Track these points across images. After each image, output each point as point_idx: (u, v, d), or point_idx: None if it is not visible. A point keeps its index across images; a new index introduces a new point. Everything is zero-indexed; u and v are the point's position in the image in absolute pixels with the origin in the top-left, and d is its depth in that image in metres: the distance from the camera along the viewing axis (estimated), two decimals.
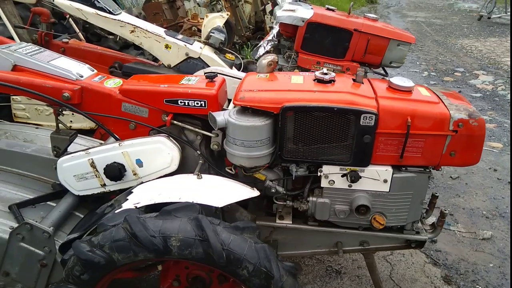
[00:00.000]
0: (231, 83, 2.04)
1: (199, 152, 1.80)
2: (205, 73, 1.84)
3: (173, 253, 1.35)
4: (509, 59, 7.69)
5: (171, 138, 1.75)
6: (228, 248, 1.34)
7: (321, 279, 2.50)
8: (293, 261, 1.52)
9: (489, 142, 4.46)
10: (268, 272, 1.37)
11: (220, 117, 1.62)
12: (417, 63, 7.70)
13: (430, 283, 2.52)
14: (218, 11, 6.08)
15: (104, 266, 1.39)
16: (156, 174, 1.73)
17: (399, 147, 1.59)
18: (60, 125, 1.84)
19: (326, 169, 1.66)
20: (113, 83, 1.85)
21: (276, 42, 3.84)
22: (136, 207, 1.47)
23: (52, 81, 1.77)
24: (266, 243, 1.44)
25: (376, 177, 1.64)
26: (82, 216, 1.82)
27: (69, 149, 1.84)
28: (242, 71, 3.13)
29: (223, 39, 3.16)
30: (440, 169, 1.68)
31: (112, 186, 1.76)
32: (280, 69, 3.44)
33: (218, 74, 1.84)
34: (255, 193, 1.66)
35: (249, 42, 6.76)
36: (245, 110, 1.63)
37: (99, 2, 2.87)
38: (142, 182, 1.72)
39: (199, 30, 5.02)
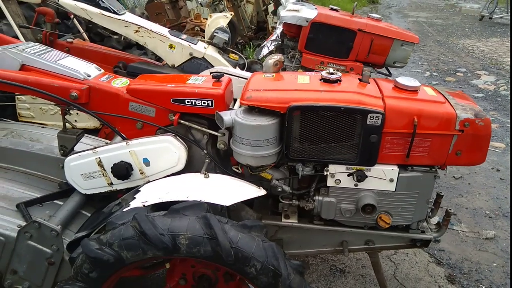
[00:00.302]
0: (236, 83, 2.05)
1: (205, 152, 1.81)
2: (211, 73, 1.85)
3: (182, 251, 1.36)
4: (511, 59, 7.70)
5: (178, 137, 1.76)
6: (236, 246, 1.35)
7: (325, 278, 2.51)
8: (300, 260, 1.53)
9: (492, 142, 4.46)
10: (276, 270, 1.38)
11: (227, 116, 1.63)
12: (419, 63, 7.71)
13: (434, 282, 2.53)
14: (221, 11, 6.09)
15: (112, 264, 1.40)
16: (163, 173, 1.73)
17: (405, 146, 1.60)
18: (66, 124, 1.86)
19: (332, 168, 1.66)
20: (120, 83, 1.86)
21: (279, 42, 3.85)
22: (144, 205, 1.48)
23: (60, 80, 1.78)
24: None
25: (382, 177, 1.65)
26: (89, 215, 1.83)
27: (75, 148, 1.85)
28: (246, 71, 3.14)
29: (227, 39, 3.17)
30: (445, 169, 1.69)
31: (119, 185, 1.76)
32: (284, 69, 3.45)
33: (224, 74, 1.85)
34: (261, 192, 1.67)
35: (251, 42, 6.77)
36: (252, 109, 1.64)
37: (103, 2, 2.88)
38: (149, 181, 1.73)
39: (202, 30, 5.04)
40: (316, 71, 2.41)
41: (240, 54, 3.34)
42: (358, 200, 1.70)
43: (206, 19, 4.17)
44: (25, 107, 3.01)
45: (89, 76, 1.84)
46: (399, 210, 1.71)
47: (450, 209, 1.80)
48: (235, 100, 2.07)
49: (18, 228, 1.63)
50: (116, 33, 4.14)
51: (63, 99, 1.75)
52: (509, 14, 11.44)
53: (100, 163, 1.72)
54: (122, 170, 1.70)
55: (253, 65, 3.45)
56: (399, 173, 1.64)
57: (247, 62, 3.32)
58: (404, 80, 1.69)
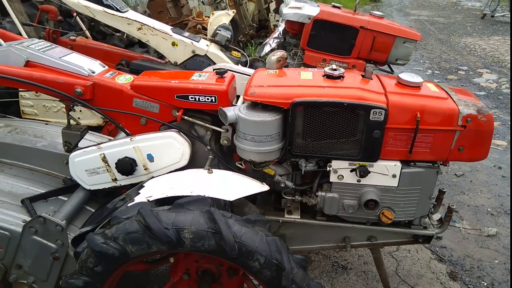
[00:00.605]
0: (239, 79, 2.06)
1: (209, 147, 1.82)
2: (214, 69, 1.86)
3: (186, 245, 1.37)
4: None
5: (181, 133, 1.77)
6: (240, 240, 1.36)
7: (327, 275, 2.52)
8: (303, 254, 1.54)
9: (494, 140, 4.46)
10: (279, 264, 1.38)
11: (231, 112, 1.63)
12: (421, 61, 7.70)
13: (436, 279, 2.54)
14: (222, 9, 6.09)
15: (117, 258, 1.41)
16: (167, 169, 1.75)
17: (408, 142, 1.61)
18: (71, 120, 1.87)
19: (335, 164, 1.67)
20: (124, 79, 1.87)
21: (282, 40, 3.85)
22: (148, 200, 1.49)
23: (64, 76, 1.79)
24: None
25: (385, 172, 1.66)
26: (93, 210, 1.84)
27: (79, 145, 1.86)
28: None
29: (229, 37, 3.18)
30: (448, 165, 1.70)
31: (123, 180, 1.78)
32: (286, 66, 3.45)
33: (227, 70, 1.85)
34: (264, 187, 1.68)
35: (253, 40, 6.78)
36: (255, 105, 1.65)
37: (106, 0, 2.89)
38: (153, 177, 1.74)
39: (204, 28, 5.04)
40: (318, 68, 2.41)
41: (242, 52, 3.36)
42: (361, 196, 1.71)
43: (208, 17, 4.19)
44: (28, 105, 3.02)
45: (94, 72, 1.85)
46: (402, 205, 1.71)
47: (452, 205, 1.81)
48: (238, 96, 2.08)
49: (23, 223, 1.65)
50: (118, 31, 4.15)
51: (67, 95, 1.76)
52: (511, 12, 11.41)
53: (104, 159, 1.73)
54: (126, 165, 1.71)
55: (255, 63, 3.46)
56: (401, 169, 1.64)
57: (249, 60, 3.33)
58: (407, 76, 1.69)
